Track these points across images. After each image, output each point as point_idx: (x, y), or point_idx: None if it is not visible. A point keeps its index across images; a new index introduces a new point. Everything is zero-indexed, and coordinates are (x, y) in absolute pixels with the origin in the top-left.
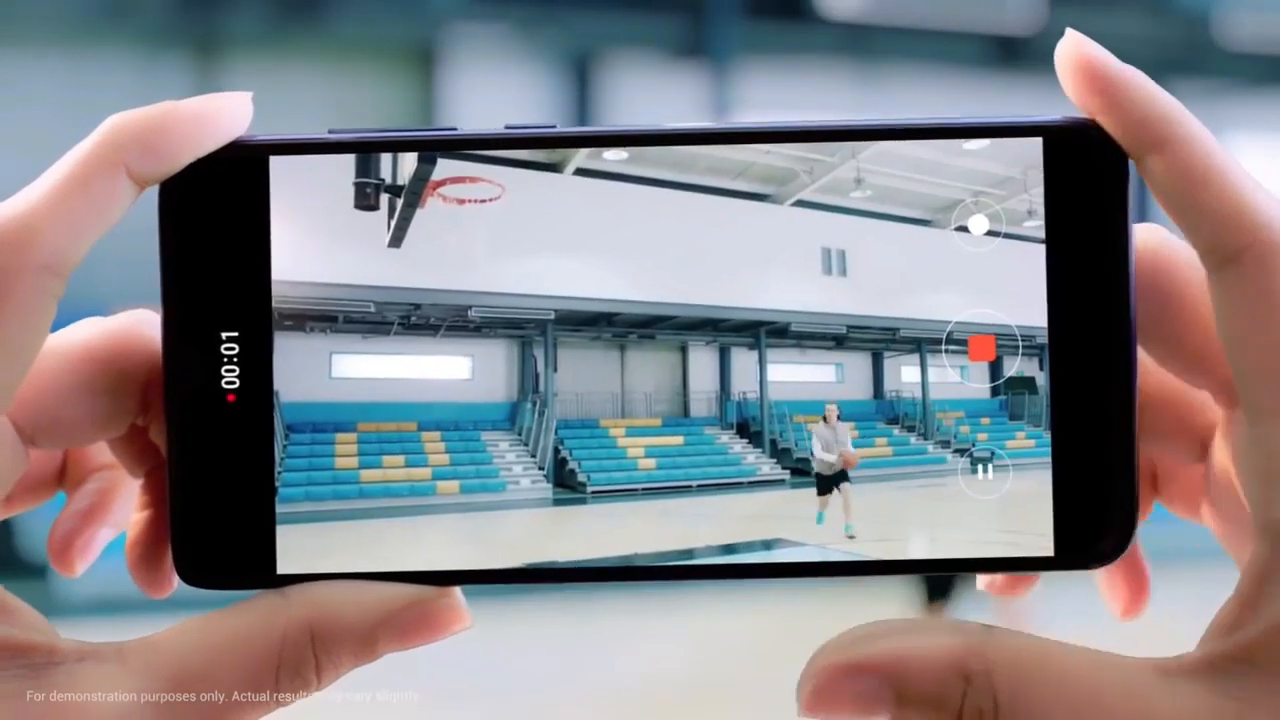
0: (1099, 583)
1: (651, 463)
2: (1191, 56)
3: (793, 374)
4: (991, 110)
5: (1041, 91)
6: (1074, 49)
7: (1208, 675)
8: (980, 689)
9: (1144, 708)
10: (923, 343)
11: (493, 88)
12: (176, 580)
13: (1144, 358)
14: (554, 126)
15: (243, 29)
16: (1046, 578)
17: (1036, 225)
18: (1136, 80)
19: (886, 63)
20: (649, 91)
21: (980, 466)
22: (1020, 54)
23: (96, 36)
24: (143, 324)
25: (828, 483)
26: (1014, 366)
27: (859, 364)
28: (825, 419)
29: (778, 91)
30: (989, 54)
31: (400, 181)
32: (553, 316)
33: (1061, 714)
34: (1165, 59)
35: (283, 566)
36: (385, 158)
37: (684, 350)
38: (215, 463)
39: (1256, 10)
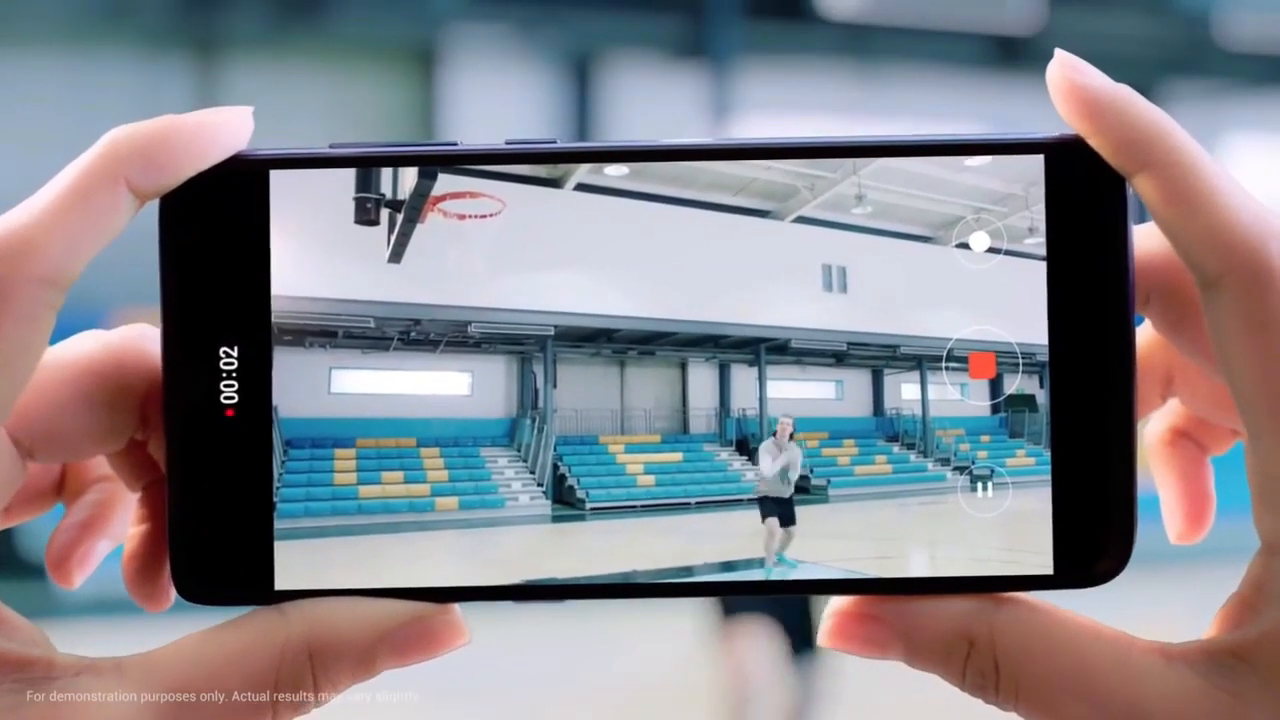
0: (1161, 503)
1: (651, 479)
2: (1191, 56)
3: (793, 391)
4: (992, 110)
5: (1042, 92)
6: (1060, 71)
7: (1205, 666)
8: (983, 653)
9: (1136, 686)
10: (923, 360)
11: (493, 88)
12: (174, 594)
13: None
14: (554, 141)
15: (243, 30)
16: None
17: (1037, 242)
18: (1122, 101)
19: (886, 63)
20: (649, 92)
21: (980, 484)
22: (1020, 54)
23: (96, 36)
24: (142, 338)
25: (769, 511)
26: (1014, 384)
27: (859, 381)
28: (776, 434)
29: (778, 91)
30: (989, 54)
31: (400, 196)
32: (553, 332)
33: (1056, 682)
34: (1165, 59)
35: (281, 583)
36: (385, 172)
37: (684, 367)
38: (214, 478)
39: (1256, 10)
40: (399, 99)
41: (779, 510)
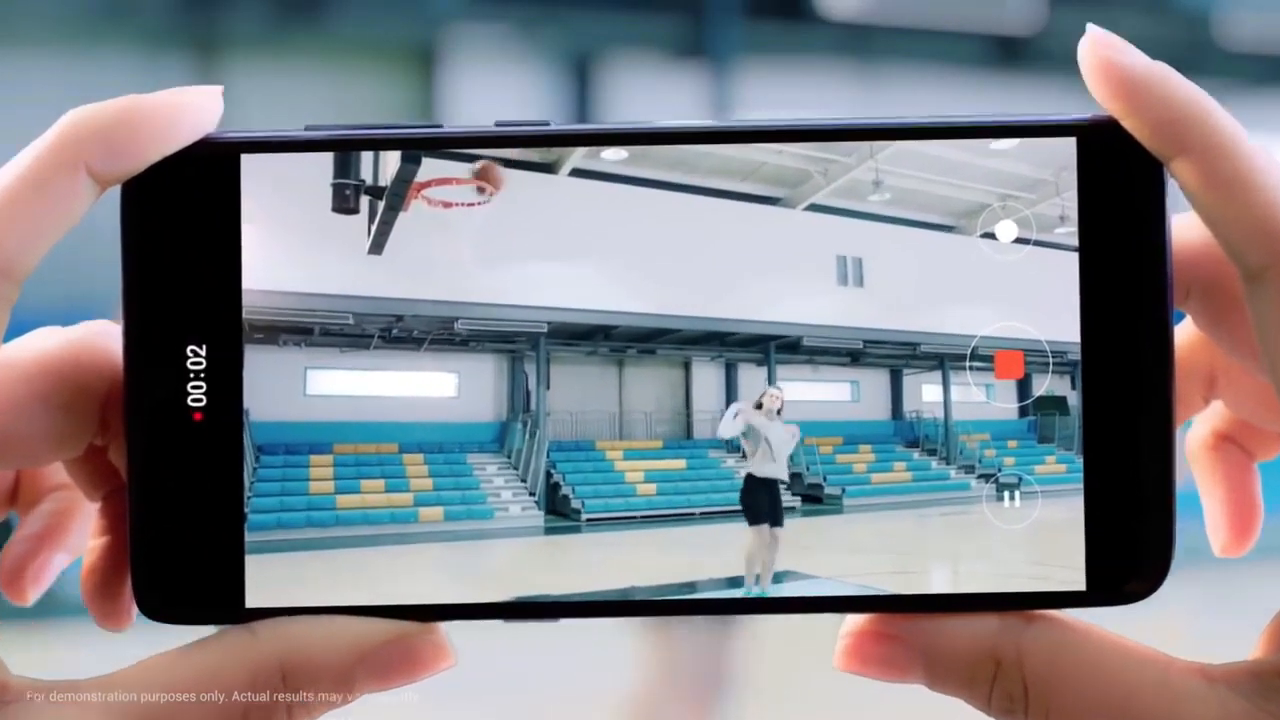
0: (1205, 513)
1: (651, 488)
2: (1191, 56)
3: (804, 392)
4: (992, 110)
5: (1042, 92)
6: (1093, 49)
7: (1251, 688)
8: (1010, 675)
9: (1176, 710)
10: (945, 359)
11: (493, 88)
12: (135, 612)
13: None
14: (548, 123)
15: (243, 29)
16: None
17: (1069, 232)
18: (1159, 79)
19: (886, 63)
20: (649, 92)
21: (1007, 493)
22: (1020, 54)
23: (96, 36)
24: (103, 335)
25: (758, 502)
26: (1044, 385)
27: (876, 382)
28: (761, 406)
29: (778, 91)
30: (989, 54)
31: (382, 183)
32: (545, 329)
33: (1089, 705)
34: (1165, 59)
35: (252, 600)
36: (366, 157)
37: (687, 366)
38: (179, 486)
39: (1257, 10)
40: (399, 99)
41: (769, 500)
